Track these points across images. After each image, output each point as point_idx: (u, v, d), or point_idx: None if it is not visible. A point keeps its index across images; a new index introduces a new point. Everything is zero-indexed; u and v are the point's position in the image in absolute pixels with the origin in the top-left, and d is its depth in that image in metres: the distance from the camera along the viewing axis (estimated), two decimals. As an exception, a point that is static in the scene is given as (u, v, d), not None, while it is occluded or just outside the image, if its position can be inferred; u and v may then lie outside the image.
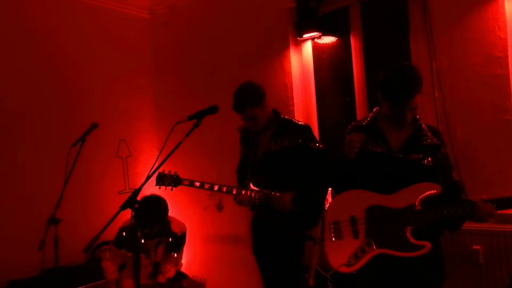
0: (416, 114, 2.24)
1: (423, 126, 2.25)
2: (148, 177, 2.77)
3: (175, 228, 3.50)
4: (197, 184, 2.91)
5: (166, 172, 2.92)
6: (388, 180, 2.16)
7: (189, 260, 4.67)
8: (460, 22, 2.96)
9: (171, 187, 2.91)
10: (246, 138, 3.11)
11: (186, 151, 3.59)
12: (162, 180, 2.87)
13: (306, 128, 2.99)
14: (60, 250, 3.02)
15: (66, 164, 2.99)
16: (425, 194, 2.08)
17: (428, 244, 2.03)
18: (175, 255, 3.48)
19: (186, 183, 2.91)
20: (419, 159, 2.16)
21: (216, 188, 2.89)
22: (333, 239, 2.18)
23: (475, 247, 2.81)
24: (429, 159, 2.17)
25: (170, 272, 3.43)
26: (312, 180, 2.87)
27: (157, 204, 3.38)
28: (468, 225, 2.85)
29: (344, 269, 2.10)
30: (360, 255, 2.09)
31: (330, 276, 2.79)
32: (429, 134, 2.22)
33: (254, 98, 2.86)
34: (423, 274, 2.11)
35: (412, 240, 2.04)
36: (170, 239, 3.45)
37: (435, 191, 2.08)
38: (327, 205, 3.40)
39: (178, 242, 3.50)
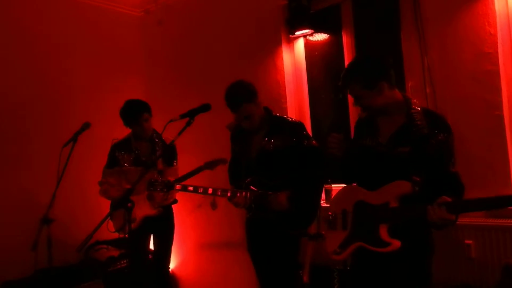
0: (410, 101, 2.19)
1: (416, 115, 2.15)
2: (141, 176, 2.78)
3: (164, 137, 3.50)
4: (190, 188, 2.86)
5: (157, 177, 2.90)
6: (375, 174, 2.19)
7: (183, 259, 4.67)
8: (450, 19, 2.98)
9: (163, 192, 2.87)
10: (237, 136, 3.07)
11: (179, 149, 3.59)
12: (153, 186, 2.83)
13: (300, 126, 2.97)
14: (53, 250, 3.01)
15: (58, 164, 2.97)
16: (398, 193, 2.07)
17: (395, 243, 2.02)
18: (174, 166, 3.50)
19: (179, 188, 2.87)
20: (404, 152, 2.11)
21: (210, 191, 2.85)
22: (329, 229, 2.33)
23: (467, 241, 2.83)
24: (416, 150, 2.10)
25: None
26: (307, 178, 2.86)
27: (138, 100, 3.44)
28: (459, 220, 2.87)
29: (334, 257, 2.26)
30: (345, 245, 2.21)
31: (337, 270, 2.88)
32: (419, 123, 2.12)
33: (248, 94, 2.82)
34: (397, 272, 2.12)
35: (382, 236, 2.06)
36: (161, 152, 3.45)
37: (406, 190, 2.05)
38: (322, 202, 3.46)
39: (171, 152, 3.51)
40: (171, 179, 3.19)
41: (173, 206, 3.62)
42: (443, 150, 2.09)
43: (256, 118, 2.88)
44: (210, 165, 3.19)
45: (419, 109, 2.17)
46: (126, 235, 3.34)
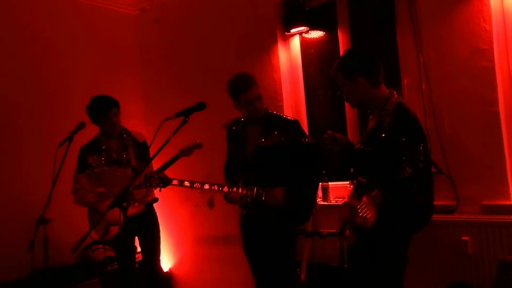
0: (387, 101, 2.21)
1: (385, 116, 2.17)
2: (137, 175, 2.76)
3: (134, 134, 3.48)
4: (187, 183, 2.83)
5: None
6: (353, 171, 2.33)
7: (180, 258, 4.67)
8: (446, 15, 2.98)
9: (159, 188, 2.85)
10: (234, 135, 3.06)
11: (175, 148, 3.57)
12: (149, 181, 2.80)
13: (295, 123, 2.99)
14: (50, 250, 3.00)
15: (54, 163, 2.96)
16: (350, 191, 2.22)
17: (347, 235, 2.16)
18: (146, 165, 3.31)
19: (176, 183, 2.82)
20: (367, 152, 2.19)
21: (206, 187, 2.83)
22: None
23: (463, 238, 2.83)
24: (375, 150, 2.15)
25: None
26: (303, 175, 2.87)
27: (105, 95, 3.37)
28: (456, 217, 2.89)
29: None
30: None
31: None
32: (384, 124, 2.15)
33: (255, 78, 2.86)
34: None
35: (346, 231, 2.19)
36: (136, 149, 3.39)
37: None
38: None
39: (143, 149, 3.43)
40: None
41: (164, 207, 3.60)
42: (400, 154, 2.05)
43: (263, 102, 2.89)
44: (185, 151, 3.14)
45: (390, 109, 2.18)
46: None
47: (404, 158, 2.04)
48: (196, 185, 2.83)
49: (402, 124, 2.14)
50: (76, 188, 3.30)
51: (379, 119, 2.20)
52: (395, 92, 2.30)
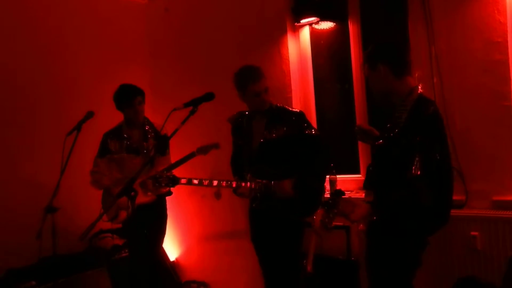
0: (408, 96, 2.14)
1: (403, 112, 2.10)
2: (145, 164, 2.76)
3: (157, 126, 3.53)
4: (196, 182, 2.82)
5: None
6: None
7: (187, 248, 4.69)
8: (459, 7, 2.92)
9: (169, 187, 2.86)
10: (239, 129, 3.05)
11: (183, 139, 3.55)
12: (158, 181, 2.79)
13: (301, 115, 2.97)
14: (58, 238, 3.02)
15: (62, 152, 2.97)
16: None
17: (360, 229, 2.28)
18: (166, 156, 3.45)
19: (184, 182, 2.81)
20: (383, 146, 2.15)
21: (215, 183, 2.82)
22: None
23: (472, 233, 2.80)
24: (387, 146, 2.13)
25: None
26: (310, 167, 2.86)
27: (132, 84, 3.46)
28: (465, 212, 2.87)
29: None
30: None
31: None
32: (400, 120, 2.08)
33: (262, 70, 2.86)
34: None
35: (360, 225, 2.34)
36: (155, 140, 3.44)
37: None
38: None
39: (163, 140, 3.42)
40: (163, 167, 3.19)
41: (171, 197, 3.62)
42: (412, 152, 1.99)
43: (270, 95, 2.89)
44: (202, 150, 3.16)
45: (408, 105, 2.10)
46: (120, 225, 3.38)
47: (416, 157, 1.97)
48: (205, 182, 2.82)
49: (418, 121, 2.05)
50: (94, 171, 3.43)
51: (397, 114, 2.12)
52: (420, 87, 2.21)
